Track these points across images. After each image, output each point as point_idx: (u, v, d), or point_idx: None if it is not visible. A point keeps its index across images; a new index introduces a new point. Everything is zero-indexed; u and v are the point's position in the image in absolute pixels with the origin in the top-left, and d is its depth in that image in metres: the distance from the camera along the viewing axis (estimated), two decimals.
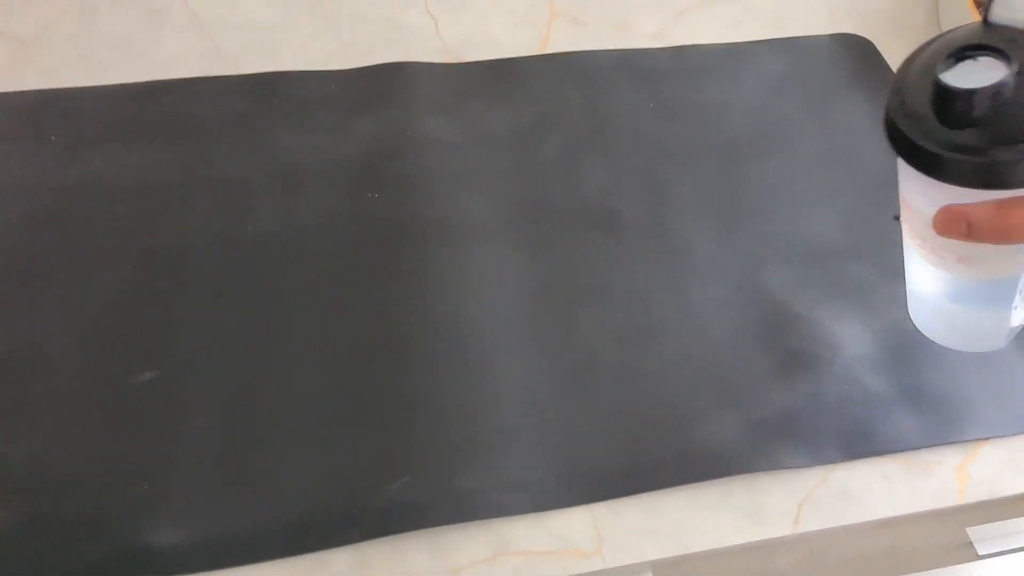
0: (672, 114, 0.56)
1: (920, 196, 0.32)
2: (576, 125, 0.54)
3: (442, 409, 0.41)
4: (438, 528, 0.38)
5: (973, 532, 0.41)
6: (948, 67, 0.29)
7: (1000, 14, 0.29)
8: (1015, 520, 0.41)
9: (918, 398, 0.44)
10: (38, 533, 0.37)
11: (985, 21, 0.30)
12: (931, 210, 0.31)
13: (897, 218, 0.50)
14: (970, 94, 0.27)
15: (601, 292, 0.47)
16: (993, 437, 0.43)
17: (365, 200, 0.49)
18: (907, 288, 0.42)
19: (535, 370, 0.43)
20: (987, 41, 0.29)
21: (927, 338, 0.45)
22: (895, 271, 0.48)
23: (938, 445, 0.43)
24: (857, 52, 0.61)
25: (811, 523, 0.40)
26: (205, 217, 0.48)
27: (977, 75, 0.28)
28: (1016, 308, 0.37)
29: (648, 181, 0.52)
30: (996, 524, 0.41)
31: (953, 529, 0.41)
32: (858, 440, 0.42)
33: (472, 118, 0.54)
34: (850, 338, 0.46)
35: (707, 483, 0.41)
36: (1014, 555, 0.40)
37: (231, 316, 0.44)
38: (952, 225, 0.30)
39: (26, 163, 0.49)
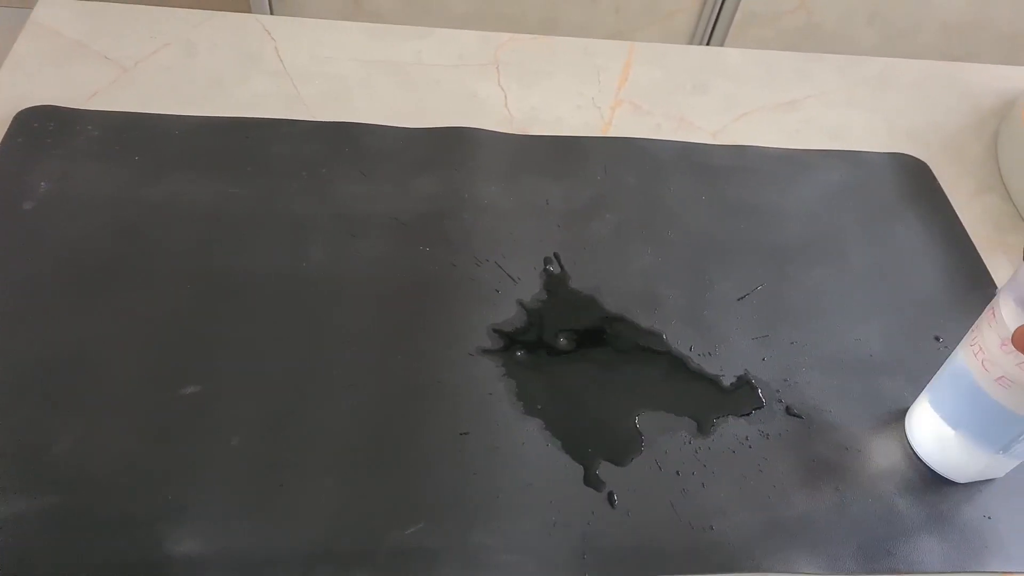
0: (725, 210, 0.57)
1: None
2: (629, 208, 0.56)
3: (466, 461, 0.42)
4: None
5: None
6: None
7: None
8: None
9: (944, 522, 0.43)
10: (63, 526, 0.38)
11: None
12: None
13: (938, 339, 0.51)
14: None
15: (633, 374, 0.47)
16: (1017, 572, 0.42)
17: (416, 252, 0.51)
18: (915, 409, 0.44)
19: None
20: None
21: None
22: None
23: (960, 573, 0.42)
24: (913, 173, 0.62)
25: None
26: (265, 249, 0.50)
27: None
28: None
29: (693, 272, 0.53)
30: None
31: None
32: (877, 556, 0.41)
33: (529, 189, 0.56)
34: (879, 453, 0.45)
35: None
36: None
37: (276, 345, 0.46)
38: None
39: (110, 178, 0.52)
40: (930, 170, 0.62)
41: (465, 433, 0.43)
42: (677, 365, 0.48)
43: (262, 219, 0.52)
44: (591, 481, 0.43)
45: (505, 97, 0.64)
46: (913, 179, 0.62)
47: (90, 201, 0.51)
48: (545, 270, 0.52)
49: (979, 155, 0.65)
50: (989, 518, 0.43)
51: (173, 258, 0.49)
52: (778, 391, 0.47)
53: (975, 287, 0.55)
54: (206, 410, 0.42)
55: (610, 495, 0.42)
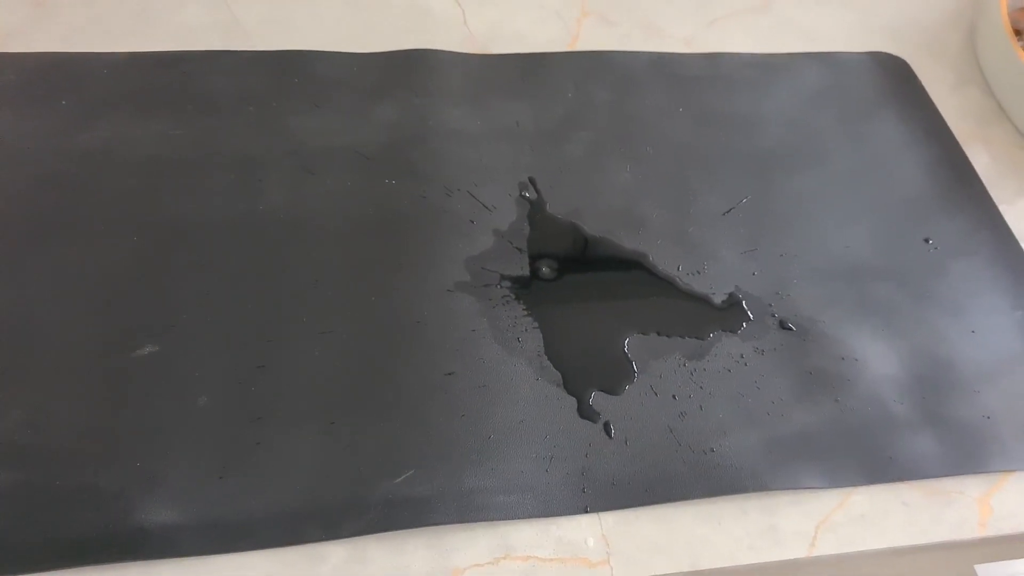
0: (703, 121, 0.54)
1: None
2: (604, 125, 0.53)
3: (455, 403, 0.40)
4: (441, 527, 0.37)
5: (981, 570, 0.40)
6: None
7: None
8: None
9: (943, 426, 0.42)
10: (28, 501, 0.35)
11: None
12: None
13: (928, 240, 0.50)
14: None
15: (620, 298, 0.45)
16: (1018, 470, 0.42)
17: (382, 186, 0.48)
18: None
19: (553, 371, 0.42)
20: None
21: (954, 364, 0.44)
22: (923, 294, 0.47)
23: (961, 475, 0.41)
24: (892, 71, 0.60)
25: (827, 546, 0.39)
26: (214, 193, 0.46)
27: None
28: None
29: (675, 187, 0.50)
30: (1005, 563, 0.40)
31: (962, 565, 0.40)
32: (879, 465, 0.41)
33: (497, 111, 0.53)
34: (875, 360, 0.44)
35: (722, 499, 0.39)
36: None
37: (237, 295, 0.42)
38: None
39: (35, 126, 0.48)
40: (909, 67, 0.60)
41: (450, 373, 0.41)
42: (665, 286, 0.46)
43: (209, 161, 0.47)
44: (585, 413, 0.41)
45: (463, 13, 0.59)
46: (892, 77, 0.59)
47: (15, 153, 0.46)
48: (521, 196, 0.49)
49: (957, 49, 0.63)
50: (988, 418, 0.43)
51: (114, 208, 0.45)
52: (771, 305, 0.46)
53: (961, 184, 0.53)
54: (167, 371, 0.39)
55: (606, 425, 0.40)
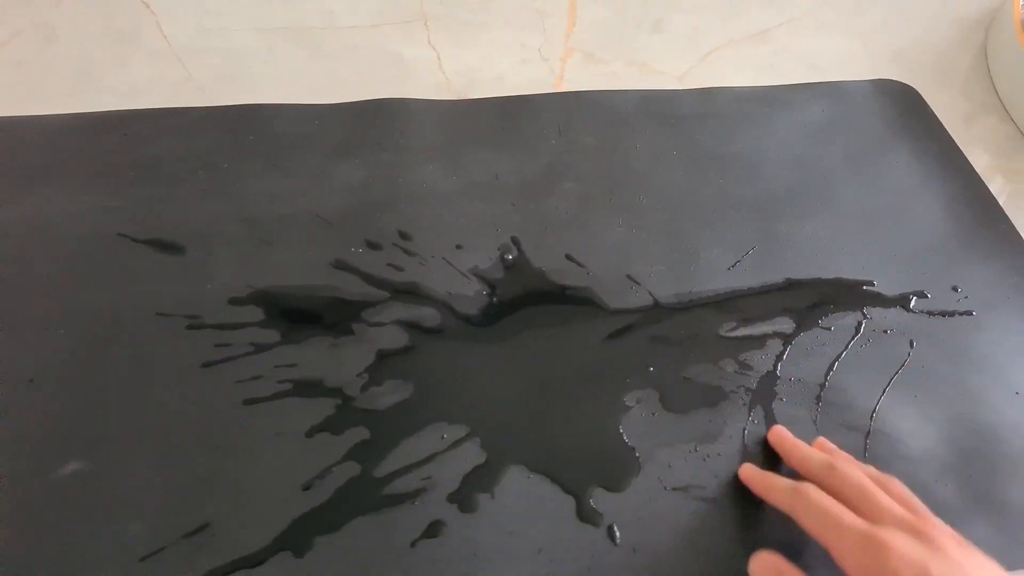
0: (699, 164, 0.49)
1: None
2: (591, 174, 0.48)
3: (428, 515, 0.34)
4: None
5: None
6: None
7: None
8: None
9: (997, 511, 0.37)
10: None
11: None
12: None
13: (956, 289, 0.45)
14: None
15: (616, 377, 0.40)
16: None
17: (348, 255, 0.43)
18: None
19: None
20: None
21: (1001, 433, 0.39)
22: (956, 351, 0.42)
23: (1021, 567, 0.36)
24: (901, 101, 0.55)
25: None
26: (157, 274, 0.41)
27: None
28: None
29: (673, 241, 0.45)
30: None
31: None
32: None
33: (473, 164, 0.48)
34: (908, 433, 0.39)
35: None
36: None
37: (176, 401, 0.37)
38: None
39: None
40: (920, 95, 0.55)
41: (427, 477, 0.35)
42: (670, 356, 0.41)
43: (147, 238, 0.42)
44: (585, 515, 0.35)
45: (438, 58, 0.54)
46: (902, 107, 0.55)
47: None
48: (502, 259, 0.44)
49: (968, 73, 0.58)
50: None
51: (37, 298, 0.39)
52: (791, 376, 0.41)
53: (987, 223, 0.48)
54: (94, 491, 0.34)
55: (610, 529, 0.35)
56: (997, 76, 0.57)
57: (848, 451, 0.38)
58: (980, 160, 0.52)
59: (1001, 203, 0.50)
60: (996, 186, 0.51)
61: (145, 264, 0.41)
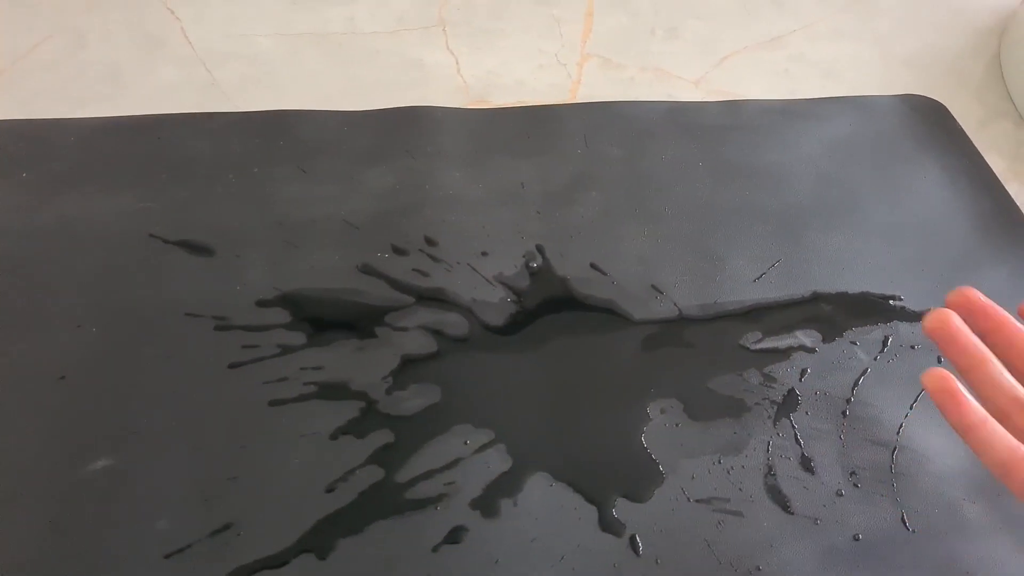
0: (725, 175, 0.49)
1: None
2: (616, 184, 0.48)
3: (452, 521, 0.34)
4: None
5: None
6: None
7: None
8: None
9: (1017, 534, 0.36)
10: None
11: None
12: None
13: None
14: None
15: (640, 387, 0.40)
16: None
17: (373, 260, 0.43)
18: None
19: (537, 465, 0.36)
20: None
21: None
22: None
23: None
24: (930, 115, 0.55)
25: None
26: (188, 275, 0.41)
27: None
28: None
29: (698, 252, 0.45)
30: None
31: None
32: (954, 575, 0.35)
33: (499, 172, 0.48)
34: (938, 450, 0.39)
35: None
36: None
37: (207, 397, 0.37)
38: None
39: None
40: (947, 111, 0.55)
41: (450, 483, 0.35)
42: (694, 367, 0.41)
43: (179, 239, 0.43)
44: (608, 525, 0.35)
45: (457, 63, 0.55)
46: (931, 122, 0.54)
47: None
48: (527, 266, 0.44)
49: (983, 78, 0.58)
50: None
51: (70, 297, 0.40)
52: (816, 389, 0.40)
53: (1016, 240, 0.48)
54: (122, 488, 0.34)
55: (632, 540, 0.35)
56: (1011, 82, 0.56)
57: (875, 467, 0.38)
58: (995, 165, 0.52)
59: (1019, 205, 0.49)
60: (1012, 190, 0.50)
61: (175, 265, 0.41)
